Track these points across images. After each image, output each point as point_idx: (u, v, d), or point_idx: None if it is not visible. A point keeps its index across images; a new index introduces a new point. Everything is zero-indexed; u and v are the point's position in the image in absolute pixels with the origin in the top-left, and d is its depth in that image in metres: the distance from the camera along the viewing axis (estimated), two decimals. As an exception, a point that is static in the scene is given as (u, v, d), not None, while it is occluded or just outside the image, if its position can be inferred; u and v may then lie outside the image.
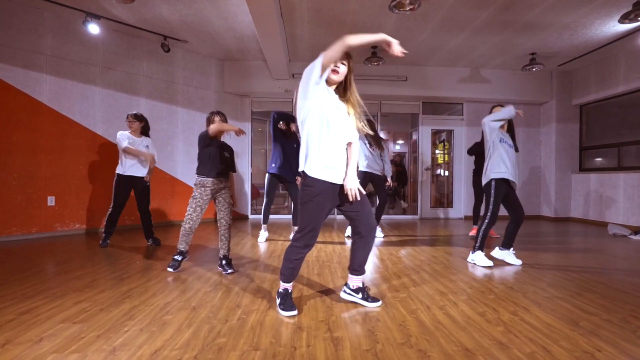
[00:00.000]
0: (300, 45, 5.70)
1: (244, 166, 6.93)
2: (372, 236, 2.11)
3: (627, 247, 4.14)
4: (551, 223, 6.40)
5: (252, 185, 7.08)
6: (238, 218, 6.77)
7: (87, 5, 4.41)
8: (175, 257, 2.91)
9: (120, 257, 3.40)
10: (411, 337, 1.70)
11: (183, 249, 2.93)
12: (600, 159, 6.38)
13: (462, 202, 7.17)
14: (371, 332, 1.76)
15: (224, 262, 2.90)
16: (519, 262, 3.18)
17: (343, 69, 1.98)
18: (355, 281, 2.18)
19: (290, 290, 2.09)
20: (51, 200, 4.62)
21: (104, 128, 5.04)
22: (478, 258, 3.17)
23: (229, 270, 2.84)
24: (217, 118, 2.92)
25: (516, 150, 3.25)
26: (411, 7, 3.98)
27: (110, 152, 5.01)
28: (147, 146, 3.99)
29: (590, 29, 4.86)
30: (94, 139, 4.97)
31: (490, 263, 3.10)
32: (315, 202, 1.95)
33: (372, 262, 3.24)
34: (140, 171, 3.93)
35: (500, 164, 3.12)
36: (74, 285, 2.49)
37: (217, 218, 2.95)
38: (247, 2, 3.72)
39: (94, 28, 4.62)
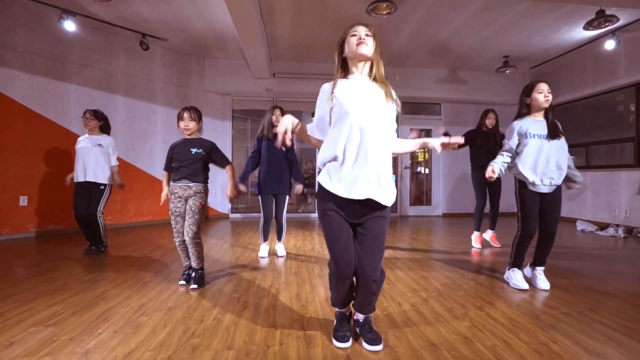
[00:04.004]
0: (281, 45, 5.71)
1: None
2: (367, 284, 1.54)
3: (595, 242, 4.34)
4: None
5: (233, 185, 7.03)
6: (219, 217, 6.74)
7: (62, 1, 4.31)
8: (185, 271, 2.64)
9: (96, 259, 3.36)
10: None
11: (186, 264, 2.63)
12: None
13: (441, 200, 7.35)
14: (343, 329, 1.82)
15: (189, 272, 2.58)
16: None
17: (371, 42, 1.54)
18: (356, 315, 1.73)
19: (347, 313, 1.75)
20: (23, 200, 4.51)
21: (79, 127, 4.91)
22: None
23: (193, 286, 2.45)
24: (185, 114, 2.53)
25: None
26: (387, 11, 4.07)
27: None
28: (100, 144, 3.58)
29: (558, 34, 5.05)
30: (68, 138, 4.86)
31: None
32: (327, 219, 1.56)
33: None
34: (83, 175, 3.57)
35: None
36: (45, 288, 2.45)
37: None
38: (226, 3, 3.72)
39: (70, 25, 4.52)
